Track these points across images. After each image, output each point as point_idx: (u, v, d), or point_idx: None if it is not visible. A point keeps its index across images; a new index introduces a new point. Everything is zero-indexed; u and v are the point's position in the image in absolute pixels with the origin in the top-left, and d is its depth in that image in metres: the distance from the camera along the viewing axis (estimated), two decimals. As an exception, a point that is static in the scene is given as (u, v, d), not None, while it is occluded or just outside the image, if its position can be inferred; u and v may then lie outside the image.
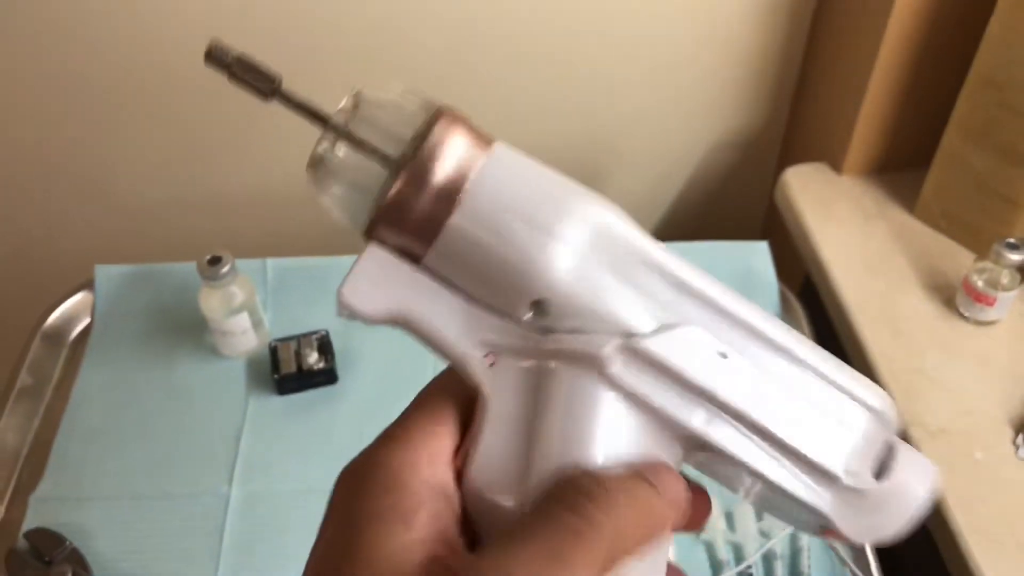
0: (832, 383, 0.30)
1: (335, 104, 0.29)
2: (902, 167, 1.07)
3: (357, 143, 0.28)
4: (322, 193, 0.29)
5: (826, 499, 0.30)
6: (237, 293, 0.90)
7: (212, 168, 1.14)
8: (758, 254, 1.02)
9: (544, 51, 1.06)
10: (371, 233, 0.29)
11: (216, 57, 0.28)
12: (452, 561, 0.26)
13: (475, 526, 0.29)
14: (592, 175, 1.19)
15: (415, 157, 0.28)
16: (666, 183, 1.24)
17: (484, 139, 0.29)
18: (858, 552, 0.79)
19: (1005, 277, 0.88)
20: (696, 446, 0.29)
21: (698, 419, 0.28)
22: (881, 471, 0.30)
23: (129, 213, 1.16)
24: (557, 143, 1.14)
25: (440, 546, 0.26)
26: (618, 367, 0.28)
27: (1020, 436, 0.82)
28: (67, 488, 0.84)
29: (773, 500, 0.30)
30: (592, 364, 0.28)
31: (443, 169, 0.28)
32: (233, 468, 0.86)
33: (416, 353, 0.95)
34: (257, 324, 0.94)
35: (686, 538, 0.80)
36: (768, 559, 0.79)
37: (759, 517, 0.81)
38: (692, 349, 0.28)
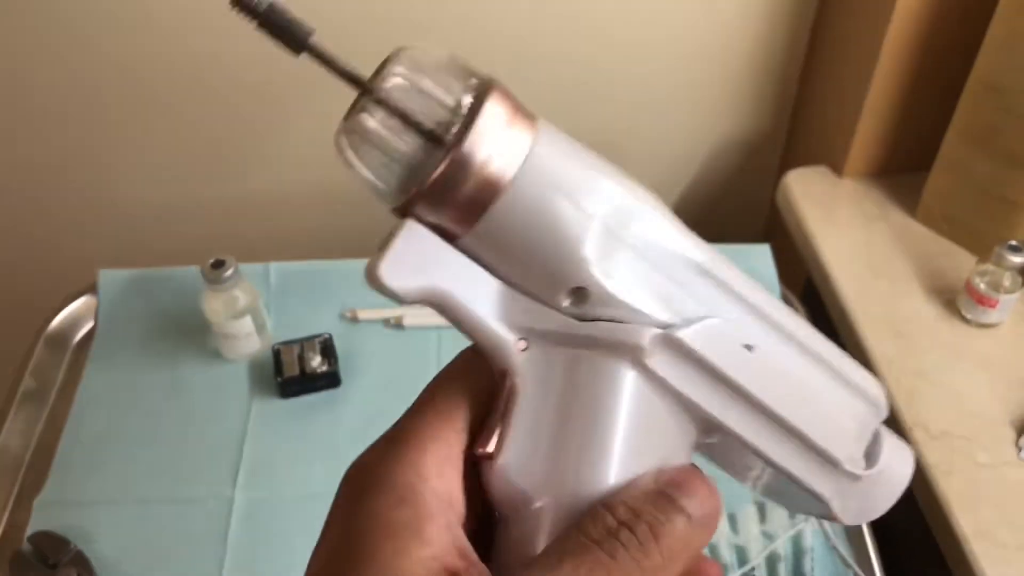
0: (837, 373, 0.31)
1: (371, 63, 0.27)
2: (903, 170, 1.07)
3: (399, 113, 0.27)
4: (351, 161, 0.27)
5: (827, 484, 0.31)
6: (240, 297, 0.90)
7: (216, 172, 1.14)
8: (760, 256, 1.02)
9: (545, 54, 1.06)
10: (407, 210, 0.27)
11: (244, 2, 0.26)
12: (470, 573, 0.26)
13: (496, 514, 0.29)
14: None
15: (465, 137, 0.26)
16: (668, 185, 1.24)
17: (530, 117, 0.28)
18: (860, 553, 0.79)
19: (1007, 279, 0.88)
20: (711, 429, 0.30)
21: (722, 408, 0.29)
22: (869, 456, 0.32)
23: (132, 217, 1.17)
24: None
25: (455, 558, 0.26)
26: (656, 357, 0.28)
27: (1022, 438, 0.82)
28: (71, 491, 0.85)
29: (778, 486, 0.31)
30: (630, 353, 0.28)
31: (494, 151, 0.26)
32: (237, 471, 0.86)
33: (420, 356, 0.96)
34: (260, 327, 0.94)
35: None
36: (771, 561, 0.79)
37: (762, 519, 0.81)
38: (724, 341, 0.29)
